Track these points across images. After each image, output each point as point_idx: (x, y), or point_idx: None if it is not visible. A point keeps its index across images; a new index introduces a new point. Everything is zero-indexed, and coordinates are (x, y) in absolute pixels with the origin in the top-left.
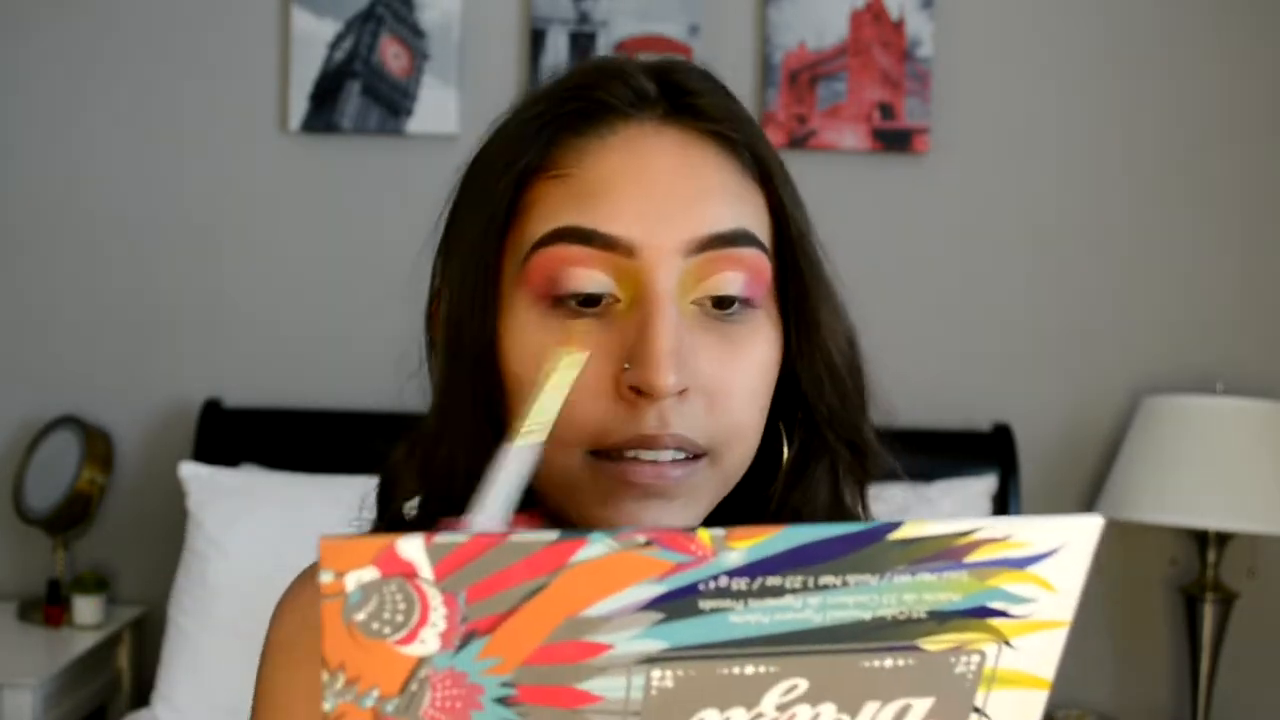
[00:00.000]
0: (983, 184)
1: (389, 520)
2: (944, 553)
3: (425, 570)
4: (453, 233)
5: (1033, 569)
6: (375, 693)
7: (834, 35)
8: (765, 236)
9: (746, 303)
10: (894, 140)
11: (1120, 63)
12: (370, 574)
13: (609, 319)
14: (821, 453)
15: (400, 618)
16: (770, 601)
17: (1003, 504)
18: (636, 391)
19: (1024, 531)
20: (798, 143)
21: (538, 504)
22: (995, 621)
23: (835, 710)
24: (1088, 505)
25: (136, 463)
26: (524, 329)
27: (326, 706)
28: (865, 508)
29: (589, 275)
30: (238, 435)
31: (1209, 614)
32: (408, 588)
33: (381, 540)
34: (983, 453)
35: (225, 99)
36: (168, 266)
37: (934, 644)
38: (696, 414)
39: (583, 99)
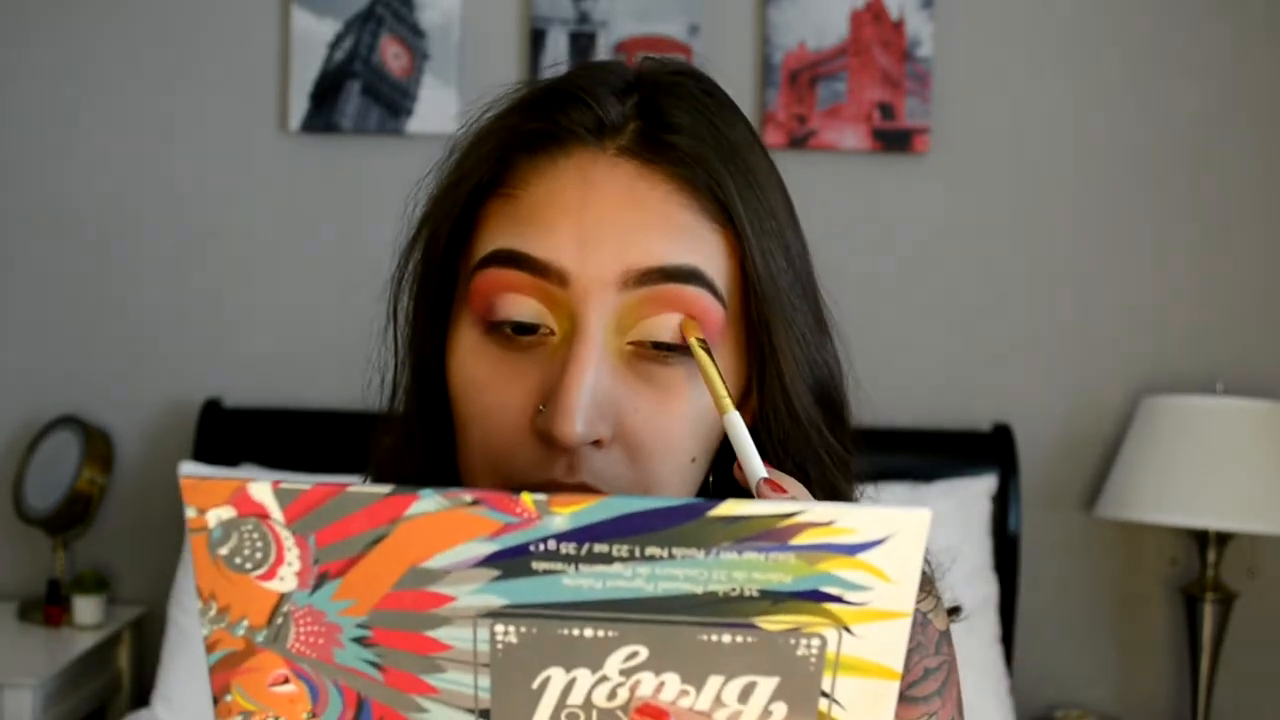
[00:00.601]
0: (983, 184)
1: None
2: (768, 533)
3: (276, 513)
4: (410, 243)
5: (862, 556)
6: (245, 622)
7: (834, 35)
8: (723, 279)
9: (683, 348)
10: (894, 140)
11: (1120, 62)
12: (228, 512)
13: (542, 351)
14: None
15: (259, 555)
16: (600, 568)
17: (1003, 504)
18: (548, 438)
19: (848, 518)
20: (798, 143)
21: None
22: (832, 607)
23: (679, 681)
24: (1088, 505)
25: (136, 463)
26: (465, 351)
27: (203, 632)
28: None
29: (521, 302)
30: (238, 435)
31: (1209, 614)
32: (263, 528)
33: (236, 482)
34: (983, 453)
35: (225, 99)
36: (168, 267)
37: (771, 624)
38: (612, 465)
39: (543, 119)
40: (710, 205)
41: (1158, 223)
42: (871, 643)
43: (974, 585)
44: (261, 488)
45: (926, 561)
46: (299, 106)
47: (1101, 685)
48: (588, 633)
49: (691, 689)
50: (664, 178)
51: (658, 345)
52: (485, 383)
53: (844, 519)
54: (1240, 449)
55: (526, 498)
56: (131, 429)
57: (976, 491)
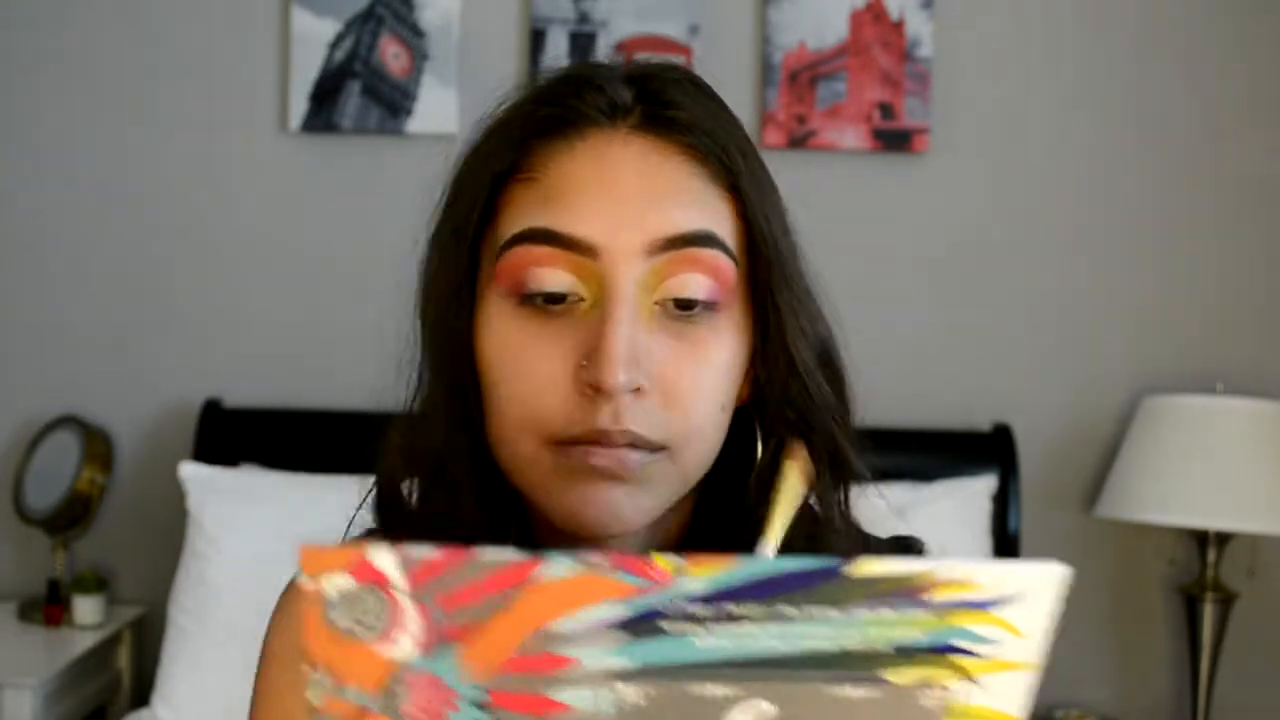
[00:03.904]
0: (983, 184)
1: (388, 505)
2: (903, 591)
3: (398, 580)
4: (435, 232)
5: (994, 611)
6: (359, 689)
7: (834, 35)
8: (732, 241)
9: (709, 305)
10: (894, 140)
11: (1120, 62)
12: (347, 581)
13: (573, 317)
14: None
15: (376, 622)
16: (733, 628)
17: (1003, 504)
18: (593, 388)
19: (983, 576)
20: (798, 143)
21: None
22: (961, 659)
23: None
24: (1088, 505)
25: (136, 463)
26: (496, 323)
27: (310, 696)
28: (845, 507)
29: (553, 274)
30: (238, 435)
31: (1209, 614)
32: (382, 595)
33: (356, 550)
34: (983, 453)
35: (225, 99)
36: (168, 266)
37: (900, 677)
38: (651, 412)
39: (557, 105)
40: (717, 171)
41: (1158, 223)
42: (995, 693)
43: None
44: (384, 556)
45: (926, 555)
46: (299, 106)
47: (1101, 685)
48: (716, 691)
49: None
50: (674, 149)
51: (681, 303)
52: (520, 347)
53: (978, 576)
54: (1240, 449)
55: (660, 560)
56: (131, 429)
57: (976, 491)
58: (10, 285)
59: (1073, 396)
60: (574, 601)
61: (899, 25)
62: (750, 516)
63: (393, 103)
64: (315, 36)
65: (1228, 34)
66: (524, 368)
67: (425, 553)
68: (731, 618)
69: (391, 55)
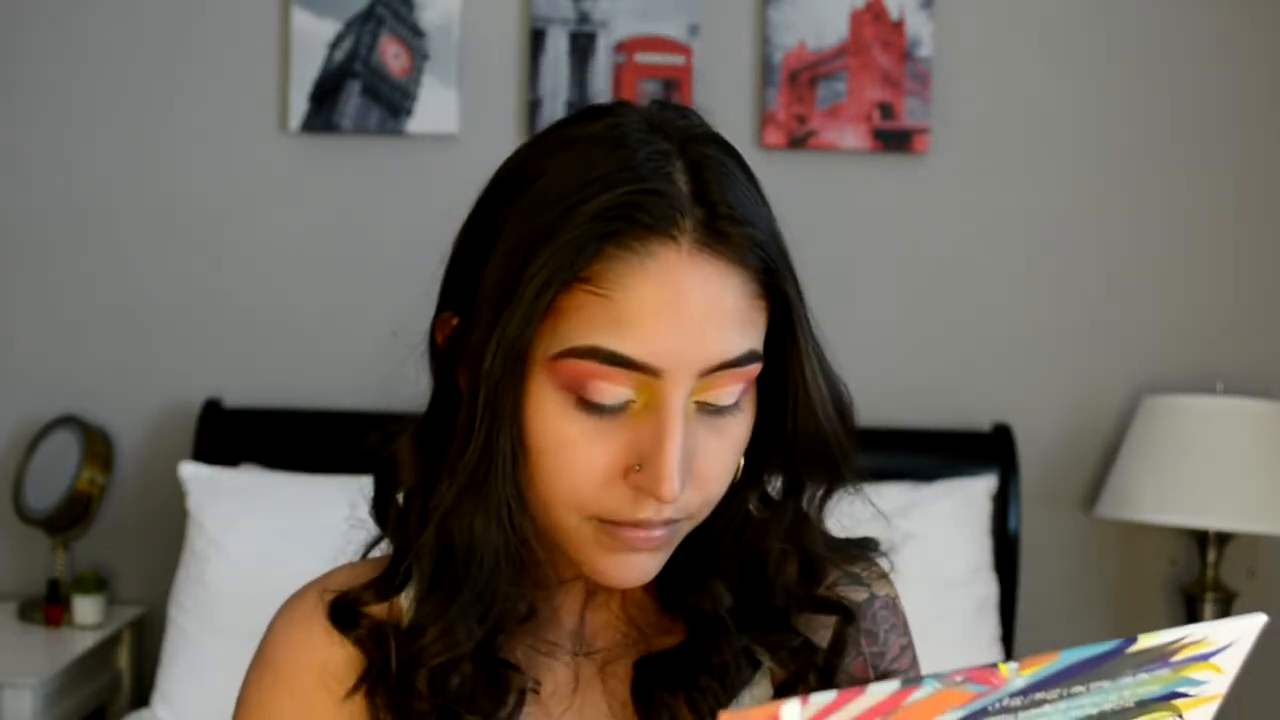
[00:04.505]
0: (983, 184)
1: (388, 515)
2: (1160, 657)
3: None
4: (478, 290)
5: (1214, 659)
6: None
7: (834, 35)
8: (762, 335)
9: (736, 405)
10: (894, 140)
11: (1120, 62)
12: None
13: (625, 416)
14: (798, 482)
15: None
16: (1033, 711)
17: (1003, 504)
18: (644, 489)
19: (1216, 633)
20: (798, 143)
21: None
22: (1178, 701)
23: None
24: (1088, 505)
25: (136, 463)
26: (550, 412)
27: None
28: (820, 519)
29: (615, 390)
30: (238, 435)
31: (1209, 614)
32: None
33: (770, 708)
34: (983, 453)
35: (225, 99)
36: (168, 266)
37: None
38: (688, 499)
39: (626, 219)
40: (762, 279)
41: (1158, 222)
42: None
43: (974, 585)
44: (792, 709)
45: (884, 555)
46: (299, 106)
47: None
48: None
49: None
50: (733, 270)
51: (716, 408)
52: (574, 443)
53: (1213, 634)
54: (1240, 449)
55: (1004, 668)
56: (131, 429)
57: (976, 491)
58: (10, 285)
59: (1073, 396)
60: (928, 715)
61: (899, 25)
62: (722, 536)
63: (393, 103)
64: (315, 36)
65: (1227, 36)
66: (577, 460)
67: (825, 698)
68: (1035, 703)
69: (391, 55)
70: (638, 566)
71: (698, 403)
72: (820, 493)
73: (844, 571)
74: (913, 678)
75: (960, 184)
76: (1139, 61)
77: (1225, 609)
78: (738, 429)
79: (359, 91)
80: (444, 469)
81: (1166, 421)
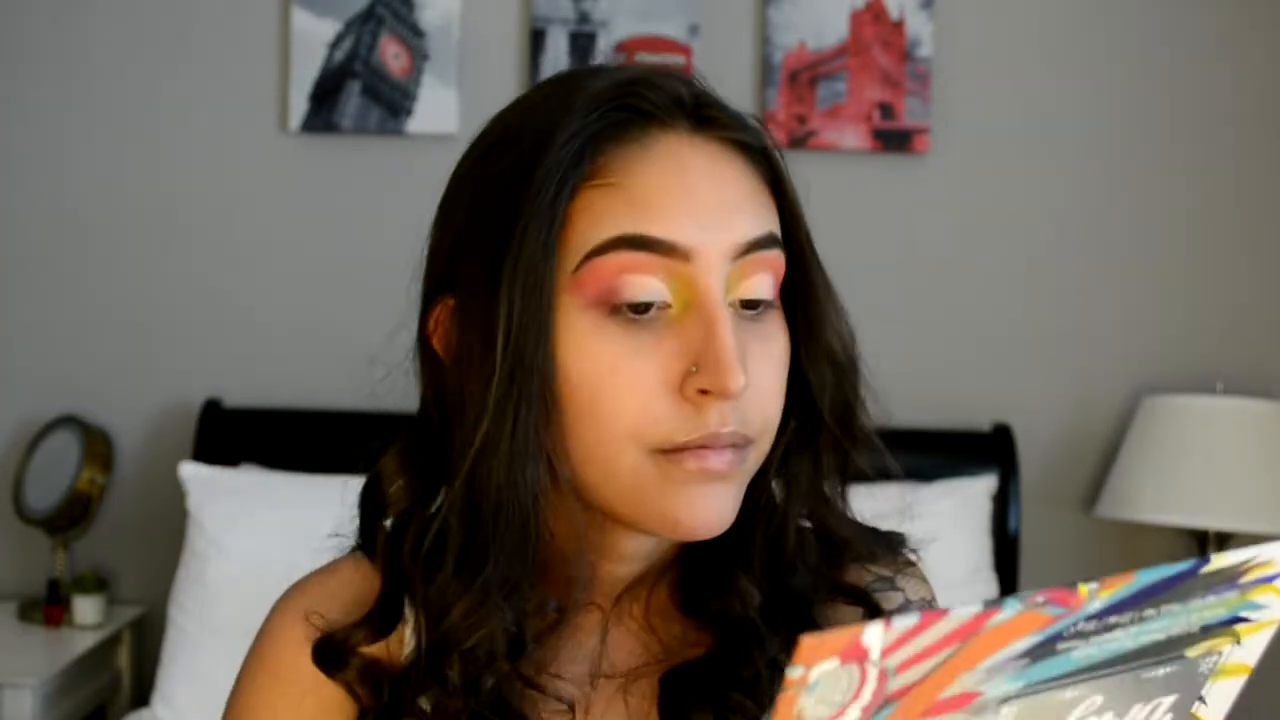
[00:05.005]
0: (983, 184)
1: (375, 523)
2: (1229, 578)
3: (875, 652)
4: (476, 243)
5: (1277, 582)
6: None
7: (834, 35)
8: (778, 225)
9: (769, 304)
10: (894, 140)
11: (1120, 62)
12: (832, 664)
13: (663, 324)
14: (811, 441)
15: (839, 697)
16: (1106, 636)
17: (1003, 504)
18: (702, 392)
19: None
20: (798, 143)
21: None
22: (1239, 627)
23: (1112, 717)
24: (1088, 505)
25: (136, 463)
26: (584, 338)
27: None
28: (845, 497)
29: (647, 282)
30: (238, 435)
31: None
32: (854, 670)
33: (853, 630)
34: (983, 453)
35: (225, 99)
36: (168, 266)
37: (1194, 651)
38: (748, 409)
39: (624, 108)
40: (763, 168)
41: (1158, 222)
42: (1249, 650)
43: (974, 585)
44: (875, 630)
45: (914, 551)
46: (299, 106)
47: None
48: (1068, 694)
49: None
50: (735, 152)
51: (749, 303)
52: (618, 359)
53: (1277, 556)
54: (1240, 449)
55: (1083, 589)
56: (131, 429)
57: (976, 491)
58: (10, 285)
59: (1073, 396)
60: (1004, 640)
61: (899, 25)
62: (748, 501)
63: (393, 103)
64: (315, 36)
65: (1227, 36)
66: (625, 380)
67: (908, 620)
68: (1108, 627)
69: (391, 55)
70: (714, 501)
71: (731, 304)
72: (837, 465)
73: (876, 575)
74: (994, 600)
75: (960, 184)
76: (1139, 61)
77: None
78: (778, 340)
79: (359, 91)
80: (450, 463)
81: (1166, 421)
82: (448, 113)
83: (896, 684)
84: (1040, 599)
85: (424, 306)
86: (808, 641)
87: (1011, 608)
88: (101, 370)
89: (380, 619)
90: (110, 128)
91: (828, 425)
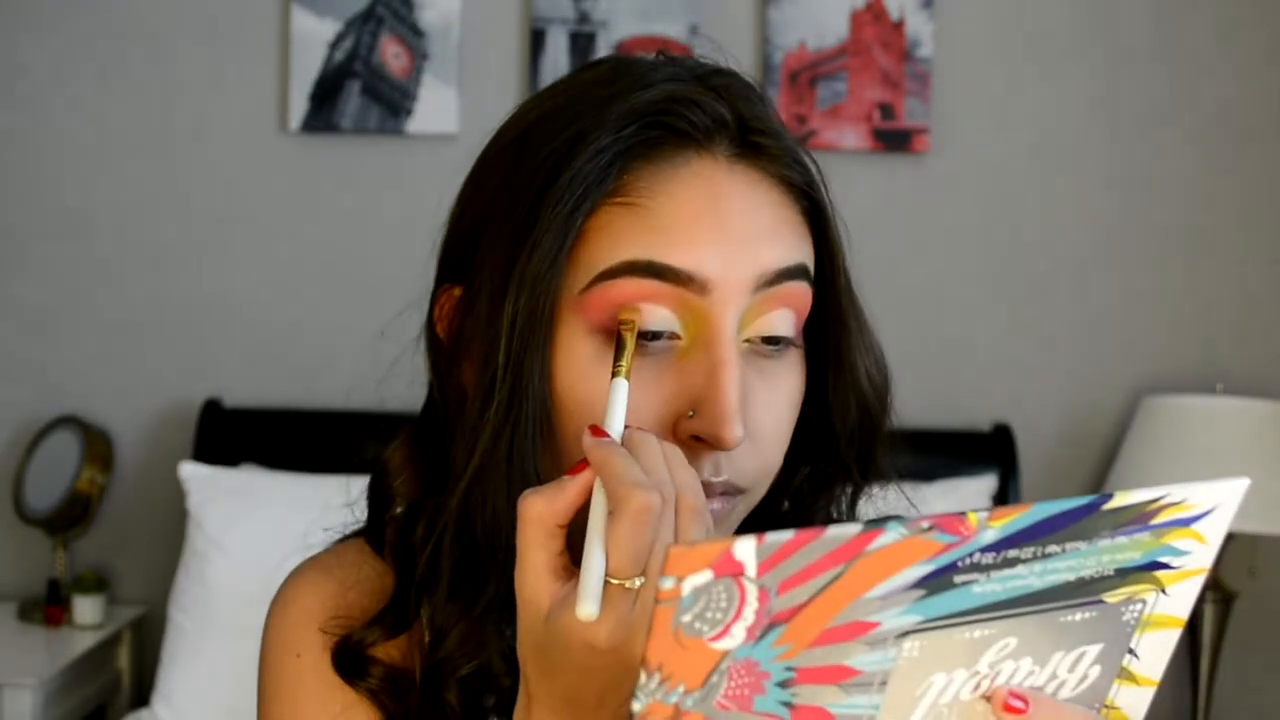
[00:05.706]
0: (983, 184)
1: (382, 521)
2: (1138, 518)
3: (751, 568)
4: (489, 240)
5: (1195, 526)
6: (680, 688)
7: (834, 35)
8: (812, 258)
9: (789, 340)
10: (894, 140)
11: (1120, 63)
12: (705, 577)
13: (670, 358)
14: (827, 480)
15: (719, 615)
16: (1007, 571)
17: (1003, 504)
18: (696, 439)
19: (1194, 495)
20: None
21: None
22: (1159, 573)
23: (1031, 663)
24: None
25: (136, 463)
26: (583, 362)
27: (636, 706)
28: (854, 512)
29: (656, 312)
30: (238, 435)
31: (1209, 614)
32: (732, 586)
33: (721, 543)
34: (983, 453)
35: (225, 99)
36: (167, 266)
37: (1113, 596)
38: (745, 460)
39: (660, 125)
40: (800, 198)
41: (1157, 222)
42: (1177, 600)
43: None
44: (746, 545)
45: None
46: (299, 106)
47: None
48: (976, 634)
49: (1038, 668)
50: (773, 180)
51: (767, 340)
52: None
53: (1193, 496)
54: (1240, 449)
55: (972, 517)
56: (131, 429)
57: (976, 491)
58: (11, 285)
59: (1073, 396)
60: (893, 566)
61: (899, 25)
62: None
63: (393, 103)
64: (315, 36)
65: (1227, 37)
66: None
67: (781, 536)
68: (1008, 562)
69: (391, 55)
70: None
71: (747, 341)
72: (849, 491)
73: None
74: (875, 521)
75: (960, 184)
76: (1138, 61)
77: (1225, 609)
78: (790, 383)
79: (359, 91)
80: (455, 458)
81: (1166, 421)
82: (448, 113)
83: (780, 605)
84: (925, 524)
85: (435, 290)
86: (675, 551)
87: (895, 531)
88: (101, 370)
89: (394, 616)
90: (110, 128)
91: (846, 467)
